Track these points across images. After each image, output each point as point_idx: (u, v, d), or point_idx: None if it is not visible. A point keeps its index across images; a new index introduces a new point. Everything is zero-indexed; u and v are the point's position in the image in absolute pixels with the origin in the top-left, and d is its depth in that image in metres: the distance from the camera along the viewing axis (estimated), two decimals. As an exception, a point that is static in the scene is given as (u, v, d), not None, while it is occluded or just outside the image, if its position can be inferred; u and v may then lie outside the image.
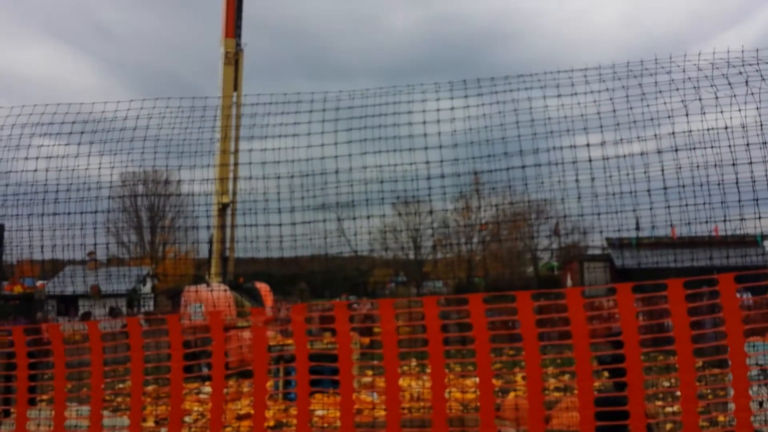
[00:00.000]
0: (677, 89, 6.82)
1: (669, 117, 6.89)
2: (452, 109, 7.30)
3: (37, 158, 7.94)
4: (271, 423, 8.32)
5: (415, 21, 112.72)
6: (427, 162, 7.55)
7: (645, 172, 7.07)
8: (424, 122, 7.34)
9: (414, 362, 7.65)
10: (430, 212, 8.63)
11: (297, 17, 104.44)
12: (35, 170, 8.01)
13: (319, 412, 7.81)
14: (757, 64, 6.76)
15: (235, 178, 17.57)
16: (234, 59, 19.16)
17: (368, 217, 7.82)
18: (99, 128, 7.88)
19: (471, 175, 7.95)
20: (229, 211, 18.39)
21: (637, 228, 7.97)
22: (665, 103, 6.89)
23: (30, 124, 7.91)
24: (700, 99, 6.69)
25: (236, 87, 19.06)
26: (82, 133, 7.88)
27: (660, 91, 6.91)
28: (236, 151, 15.51)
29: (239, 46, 19.48)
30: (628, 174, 7.13)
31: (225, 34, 19.28)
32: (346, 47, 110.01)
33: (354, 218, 7.92)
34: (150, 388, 8.38)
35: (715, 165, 6.80)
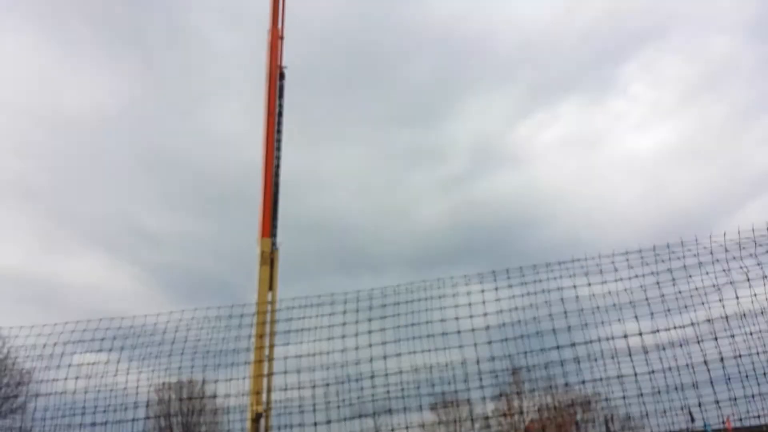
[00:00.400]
0: (707, 273, 6.84)
1: (703, 303, 6.82)
2: (483, 303, 7.33)
3: (77, 378, 7.98)
4: None
5: (440, 211, 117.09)
6: (463, 362, 7.43)
7: (688, 365, 6.93)
8: (457, 318, 7.33)
9: None
10: (471, 419, 8.32)
11: (329, 214, 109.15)
12: (74, 392, 8.00)
13: None
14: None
15: (269, 390, 17.28)
16: (270, 258, 19.79)
17: (407, 428, 7.53)
18: (139, 343, 8.00)
19: (509, 372, 7.76)
20: (262, 422, 17.83)
21: (691, 420, 7.59)
22: (696, 289, 6.88)
23: (71, 342, 8.08)
24: (732, 282, 6.65)
25: (272, 286, 19.48)
26: (122, 348, 7.98)
27: (690, 276, 6.93)
28: (270, 359, 15.41)
29: (275, 246, 20.20)
30: (670, 368, 7.00)
31: (261, 234, 20.08)
32: (377, 240, 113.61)
33: (393, 429, 7.62)
34: None
35: (758, 353, 6.68)
